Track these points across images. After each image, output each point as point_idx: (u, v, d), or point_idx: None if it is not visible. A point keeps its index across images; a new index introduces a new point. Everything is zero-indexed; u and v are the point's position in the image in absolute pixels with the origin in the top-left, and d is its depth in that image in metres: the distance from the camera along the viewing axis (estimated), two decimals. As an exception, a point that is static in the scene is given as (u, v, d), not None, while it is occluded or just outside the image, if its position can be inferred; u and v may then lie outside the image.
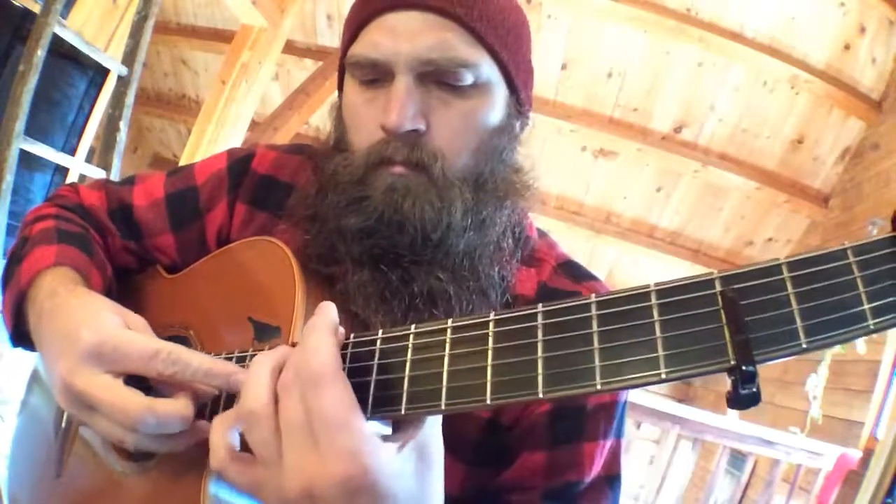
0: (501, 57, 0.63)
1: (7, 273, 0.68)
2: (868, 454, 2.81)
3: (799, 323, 0.32)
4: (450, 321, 0.42)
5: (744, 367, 0.32)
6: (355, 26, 0.63)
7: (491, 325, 0.40)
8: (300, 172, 0.75)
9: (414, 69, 0.59)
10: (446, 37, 0.60)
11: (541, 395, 0.36)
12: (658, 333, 0.35)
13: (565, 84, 4.12)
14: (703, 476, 3.87)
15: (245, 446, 0.45)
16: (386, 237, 0.60)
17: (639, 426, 2.96)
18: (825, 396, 3.37)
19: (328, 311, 0.45)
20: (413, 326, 0.43)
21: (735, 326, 0.33)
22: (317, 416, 0.40)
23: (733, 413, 4.37)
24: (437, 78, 0.60)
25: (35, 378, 0.85)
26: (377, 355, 0.44)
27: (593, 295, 0.37)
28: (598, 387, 0.35)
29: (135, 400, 0.50)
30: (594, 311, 0.37)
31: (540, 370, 0.37)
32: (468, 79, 0.61)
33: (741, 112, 3.94)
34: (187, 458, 0.55)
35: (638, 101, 4.09)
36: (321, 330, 0.43)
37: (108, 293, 0.68)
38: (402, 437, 0.43)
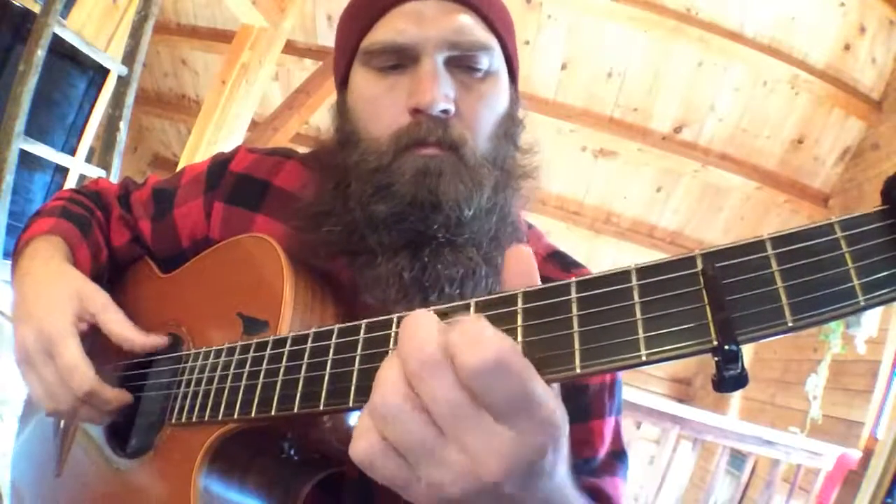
0: (507, 45, 0.67)
1: (17, 240, 0.78)
2: (868, 454, 2.81)
3: (784, 301, 0.30)
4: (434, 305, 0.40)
5: (726, 347, 0.31)
6: (369, 17, 0.64)
7: (472, 309, 0.39)
8: (276, 171, 0.77)
9: (441, 52, 0.61)
10: (468, 22, 0.63)
11: None
12: (638, 315, 0.34)
13: (565, 84, 4.12)
14: (703, 476, 3.87)
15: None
16: (420, 219, 0.60)
17: (639, 426, 2.96)
18: (825, 396, 3.37)
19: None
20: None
21: (717, 305, 0.32)
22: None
23: (733, 413, 4.38)
24: (458, 62, 0.62)
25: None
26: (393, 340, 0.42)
27: (573, 277, 0.37)
28: (578, 370, 0.34)
29: (91, 372, 0.61)
30: (573, 294, 0.36)
31: None
32: (485, 63, 0.63)
33: (741, 112, 3.94)
34: (179, 452, 0.56)
35: (638, 101, 4.09)
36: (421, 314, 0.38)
37: (99, 276, 0.77)
38: None
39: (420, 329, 0.36)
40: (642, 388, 4.99)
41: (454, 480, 0.36)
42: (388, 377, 0.36)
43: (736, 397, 4.49)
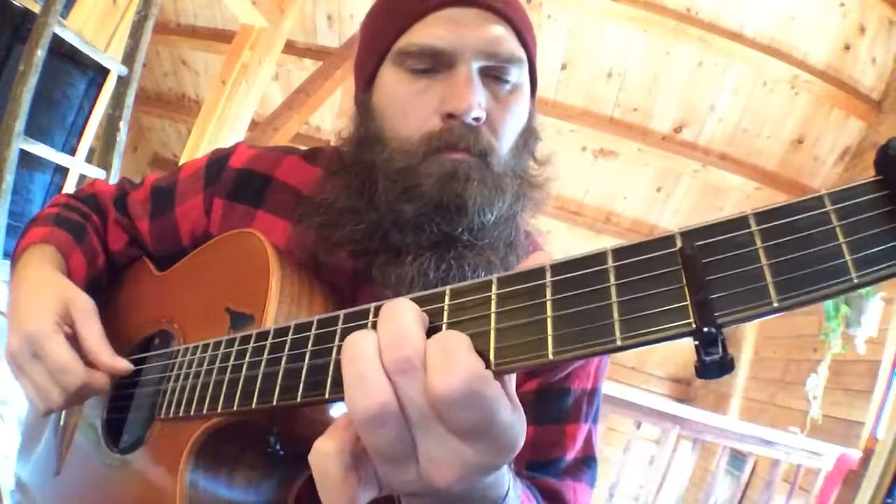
0: (533, 60, 0.68)
1: (15, 247, 0.79)
2: (868, 454, 2.81)
3: (769, 279, 0.29)
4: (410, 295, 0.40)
5: (705, 330, 0.29)
6: (407, 18, 0.65)
7: (447, 296, 0.38)
8: (277, 165, 0.77)
9: (477, 61, 0.62)
10: (504, 33, 0.64)
11: (493, 369, 0.35)
12: (614, 298, 0.32)
13: (565, 84, 4.12)
14: (703, 476, 3.87)
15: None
16: (446, 221, 0.61)
17: (639, 426, 2.95)
18: (825, 396, 3.36)
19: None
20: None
21: (695, 286, 0.30)
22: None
23: (733, 413, 4.37)
24: (490, 72, 0.63)
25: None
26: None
27: (548, 262, 0.36)
28: (550, 357, 0.33)
29: (81, 367, 0.61)
30: (548, 278, 0.35)
31: (492, 343, 0.35)
32: (514, 76, 0.65)
33: (741, 112, 3.94)
34: (167, 447, 0.57)
35: (638, 101, 4.09)
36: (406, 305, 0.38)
37: (97, 280, 0.79)
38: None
39: (396, 319, 0.36)
40: (642, 388, 4.99)
41: (407, 481, 0.37)
42: (373, 373, 0.36)
43: (736, 397, 4.49)
